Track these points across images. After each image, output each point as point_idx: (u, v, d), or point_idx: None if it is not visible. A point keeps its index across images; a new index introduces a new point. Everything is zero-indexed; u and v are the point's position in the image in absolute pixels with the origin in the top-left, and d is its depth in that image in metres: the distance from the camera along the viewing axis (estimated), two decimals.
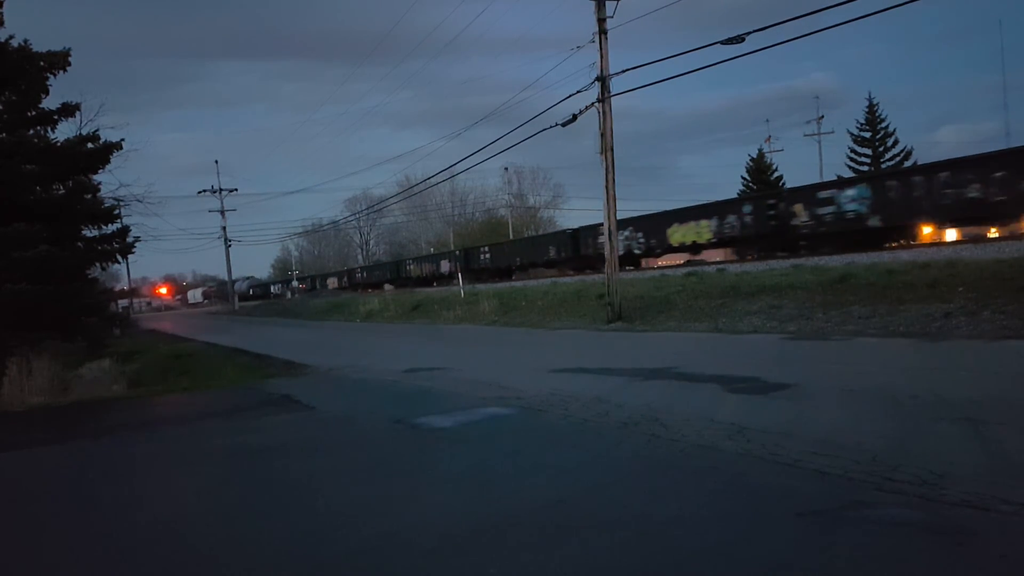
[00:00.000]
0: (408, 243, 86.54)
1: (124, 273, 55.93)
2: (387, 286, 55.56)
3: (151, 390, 13.44)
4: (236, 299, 66.85)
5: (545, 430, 6.74)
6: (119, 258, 18.46)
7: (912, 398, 6.68)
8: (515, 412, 7.61)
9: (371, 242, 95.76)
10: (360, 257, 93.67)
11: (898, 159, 48.06)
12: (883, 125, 49.52)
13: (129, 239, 17.53)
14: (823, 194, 24.52)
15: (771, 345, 11.80)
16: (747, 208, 27.79)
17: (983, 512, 3.78)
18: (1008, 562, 3.27)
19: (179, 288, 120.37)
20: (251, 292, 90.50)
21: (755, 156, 54.85)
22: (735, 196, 32.13)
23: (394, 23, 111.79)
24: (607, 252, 18.29)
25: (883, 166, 47.30)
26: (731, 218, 28.05)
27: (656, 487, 4.74)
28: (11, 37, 14.59)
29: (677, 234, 30.62)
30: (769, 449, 5.28)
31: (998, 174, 18.90)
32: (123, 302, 49.63)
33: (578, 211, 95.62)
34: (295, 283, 78.75)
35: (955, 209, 20.26)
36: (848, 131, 51.32)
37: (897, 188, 22.04)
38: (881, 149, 49.27)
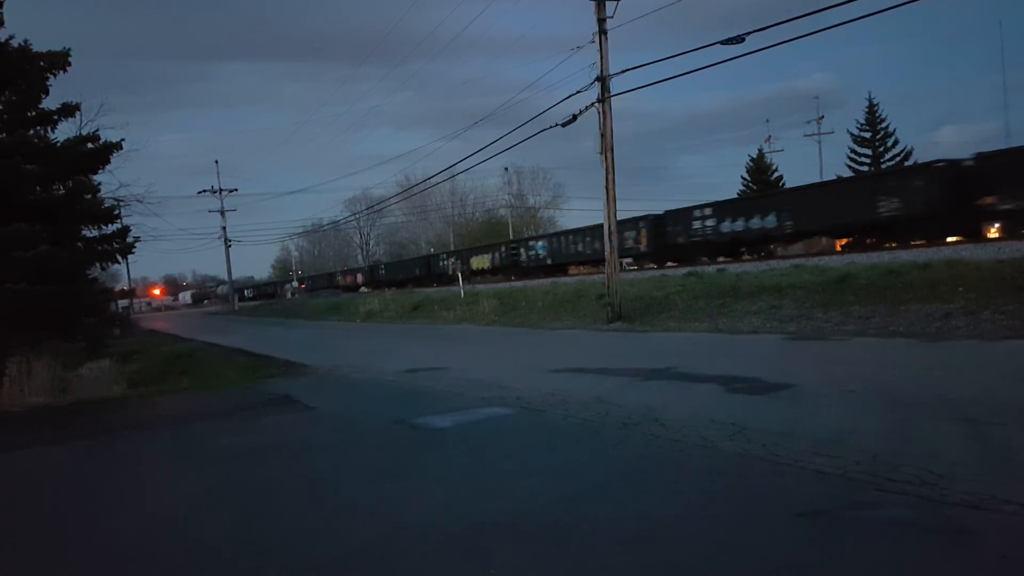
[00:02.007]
0: (408, 243, 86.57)
1: (124, 273, 56.08)
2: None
3: (151, 390, 13.44)
4: (236, 299, 66.85)
5: (545, 430, 6.74)
6: (119, 258, 18.44)
7: (912, 398, 6.68)
8: (515, 412, 7.61)
9: (371, 242, 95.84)
10: (360, 257, 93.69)
11: (898, 159, 48.06)
12: (883, 125, 49.55)
13: (129, 239, 17.52)
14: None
15: (771, 345, 11.80)
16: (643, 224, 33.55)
17: (983, 512, 3.78)
18: (1008, 562, 3.27)
19: (170, 290, 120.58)
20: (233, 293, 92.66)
21: (755, 156, 54.92)
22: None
23: (395, 24, 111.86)
24: (607, 252, 18.29)
25: (883, 166, 47.31)
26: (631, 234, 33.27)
27: (656, 487, 4.74)
28: (11, 37, 14.59)
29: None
30: (769, 449, 5.28)
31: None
32: (123, 302, 49.58)
33: (578, 211, 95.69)
34: (295, 283, 78.85)
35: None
36: (848, 131, 51.36)
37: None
38: (881, 149, 49.29)
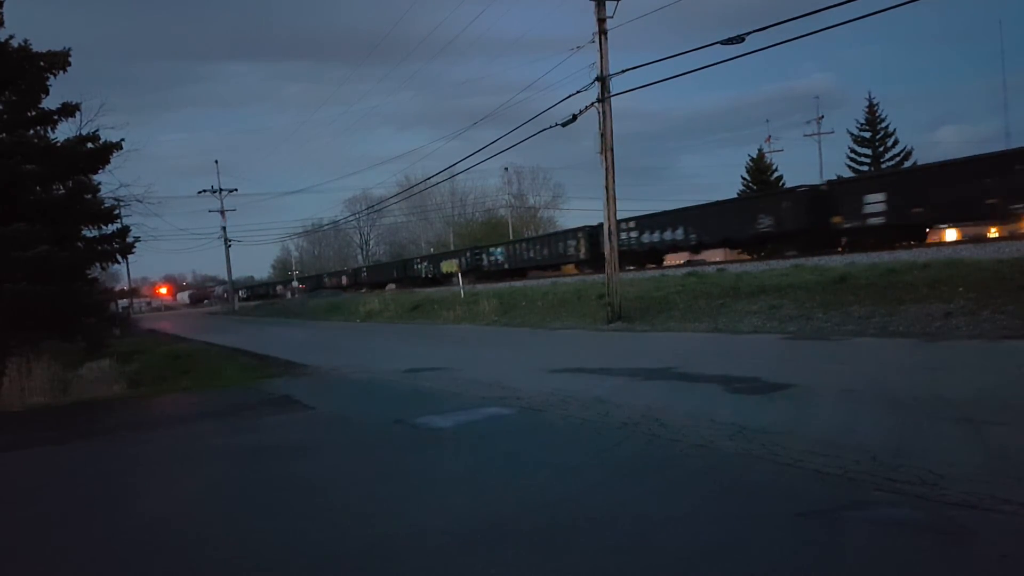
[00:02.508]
0: (408, 243, 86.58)
1: (124, 273, 56.03)
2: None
3: (151, 390, 13.44)
4: (236, 299, 66.87)
5: (545, 430, 6.74)
6: (119, 258, 18.42)
7: (912, 398, 6.68)
8: (515, 412, 7.61)
9: (371, 242, 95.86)
10: (360, 257, 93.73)
11: (898, 159, 48.09)
12: (883, 125, 49.57)
13: (129, 239, 17.51)
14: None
15: (771, 345, 11.80)
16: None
17: (983, 512, 3.78)
18: (1008, 562, 3.27)
19: (170, 290, 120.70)
20: (224, 294, 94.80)
21: (755, 156, 54.94)
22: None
23: (395, 24, 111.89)
24: (607, 252, 18.29)
25: (883, 166, 47.36)
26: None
27: (656, 487, 4.74)
28: (11, 37, 14.58)
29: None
30: (769, 449, 5.28)
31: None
32: (123, 302, 49.62)
33: (578, 211, 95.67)
34: (295, 283, 78.90)
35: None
36: (848, 131, 51.37)
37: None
38: (881, 149, 49.31)
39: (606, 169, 17.62)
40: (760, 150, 55.51)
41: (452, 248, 60.10)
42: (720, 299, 16.84)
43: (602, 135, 17.45)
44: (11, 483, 6.62)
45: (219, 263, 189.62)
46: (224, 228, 59.12)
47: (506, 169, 71.40)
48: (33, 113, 15.63)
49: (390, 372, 12.23)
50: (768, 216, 26.43)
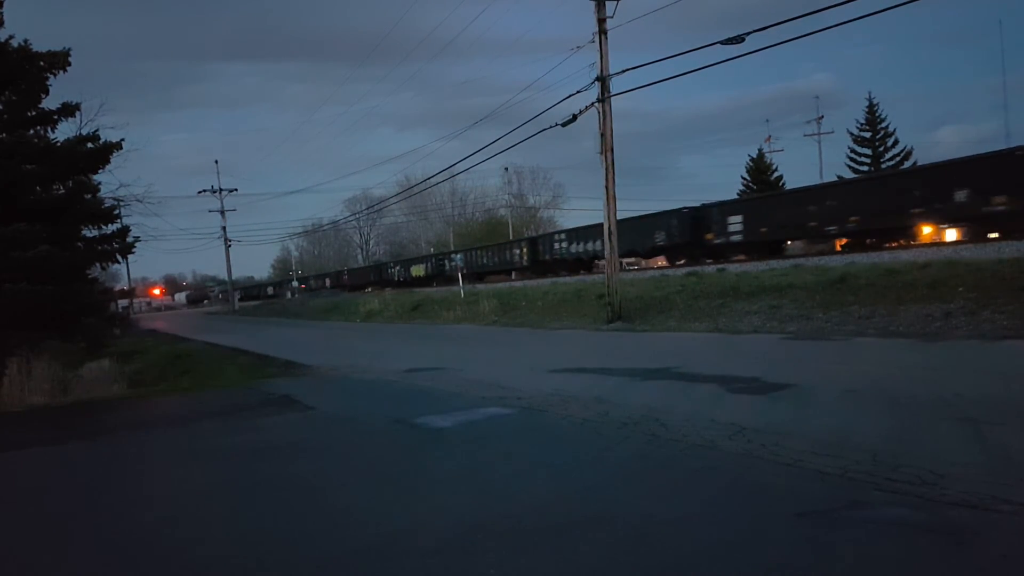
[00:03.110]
0: (408, 243, 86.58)
1: (124, 273, 56.05)
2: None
3: (151, 390, 13.45)
4: (236, 299, 66.88)
5: (545, 430, 6.74)
6: (119, 258, 18.44)
7: (912, 398, 6.68)
8: (515, 412, 7.61)
9: (371, 242, 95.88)
10: (360, 257, 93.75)
11: (898, 159, 48.07)
12: (883, 125, 49.55)
13: (129, 239, 17.52)
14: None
15: (771, 345, 11.80)
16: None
17: (983, 512, 3.78)
18: (1008, 562, 3.27)
19: (169, 290, 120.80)
20: (220, 295, 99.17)
21: (755, 156, 54.92)
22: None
23: (395, 24, 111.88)
24: (607, 252, 18.30)
25: (883, 166, 47.35)
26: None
27: (656, 487, 4.74)
28: (11, 37, 14.59)
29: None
30: (769, 449, 5.28)
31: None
32: (123, 302, 49.55)
33: (578, 211, 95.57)
34: (295, 283, 79.02)
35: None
36: (848, 131, 51.32)
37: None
38: (881, 149, 49.27)
39: (606, 169, 17.62)
40: (760, 150, 55.50)
41: (452, 248, 61.45)
42: (720, 299, 16.84)
43: (602, 135, 17.46)
44: (11, 483, 6.61)
45: (219, 263, 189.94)
46: (224, 228, 59.19)
47: (506, 169, 71.49)
48: (33, 113, 15.64)
49: (390, 372, 12.22)
50: (662, 231, 32.16)
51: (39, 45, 14.71)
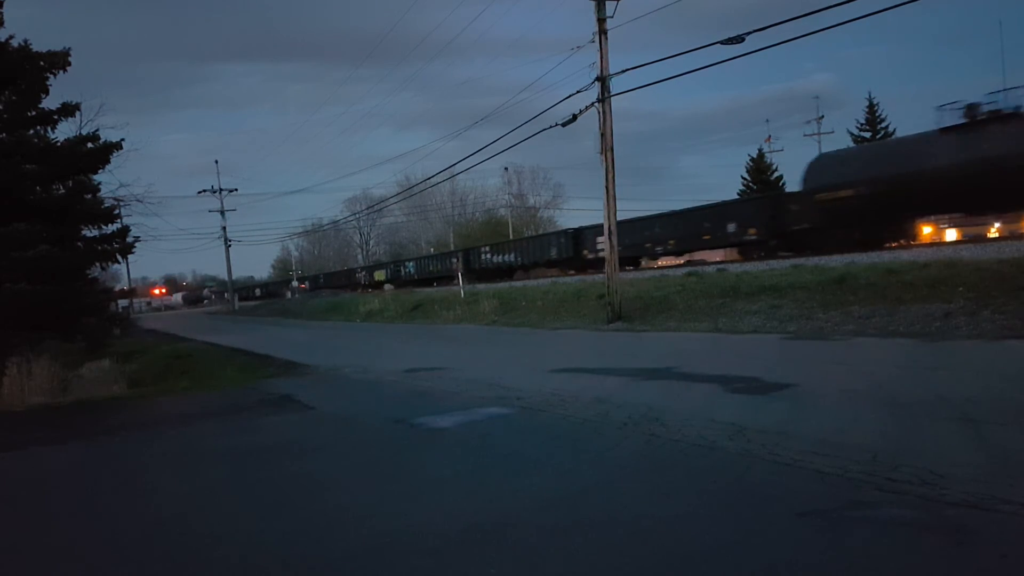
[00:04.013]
0: (408, 243, 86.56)
1: (124, 273, 56.02)
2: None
3: (151, 390, 13.45)
4: (236, 299, 66.87)
5: (545, 430, 6.74)
6: (119, 258, 18.41)
7: (912, 398, 6.68)
8: (515, 412, 7.61)
9: (371, 242, 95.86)
10: (360, 257, 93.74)
11: None
12: (883, 125, 49.56)
13: (129, 239, 17.50)
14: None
15: (771, 345, 11.80)
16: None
17: (983, 512, 3.78)
18: (1008, 562, 3.27)
19: (170, 290, 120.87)
20: (213, 296, 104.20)
21: (755, 156, 54.91)
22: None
23: (395, 24, 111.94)
24: (607, 252, 18.29)
25: None
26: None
27: (656, 487, 4.74)
28: (11, 37, 14.57)
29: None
30: (769, 449, 5.28)
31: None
32: (123, 302, 49.54)
33: (578, 211, 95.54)
34: (295, 283, 79.09)
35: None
36: (848, 131, 51.36)
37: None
38: None
39: (606, 169, 17.61)
40: (760, 150, 55.45)
41: (452, 248, 62.52)
42: (720, 299, 16.84)
43: (602, 135, 17.45)
44: (11, 483, 6.62)
45: (219, 263, 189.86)
46: (224, 228, 59.17)
47: (506, 169, 71.49)
48: (33, 113, 15.62)
49: (390, 372, 12.22)
50: (554, 247, 41.06)
51: (39, 45, 14.70)
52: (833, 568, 3.29)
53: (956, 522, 3.69)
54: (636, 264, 34.02)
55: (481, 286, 34.83)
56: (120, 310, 39.50)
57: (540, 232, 60.94)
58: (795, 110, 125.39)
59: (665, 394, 8.00)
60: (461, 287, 31.57)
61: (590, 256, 36.37)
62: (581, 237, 38.34)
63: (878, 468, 4.61)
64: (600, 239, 30.12)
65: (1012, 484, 4.14)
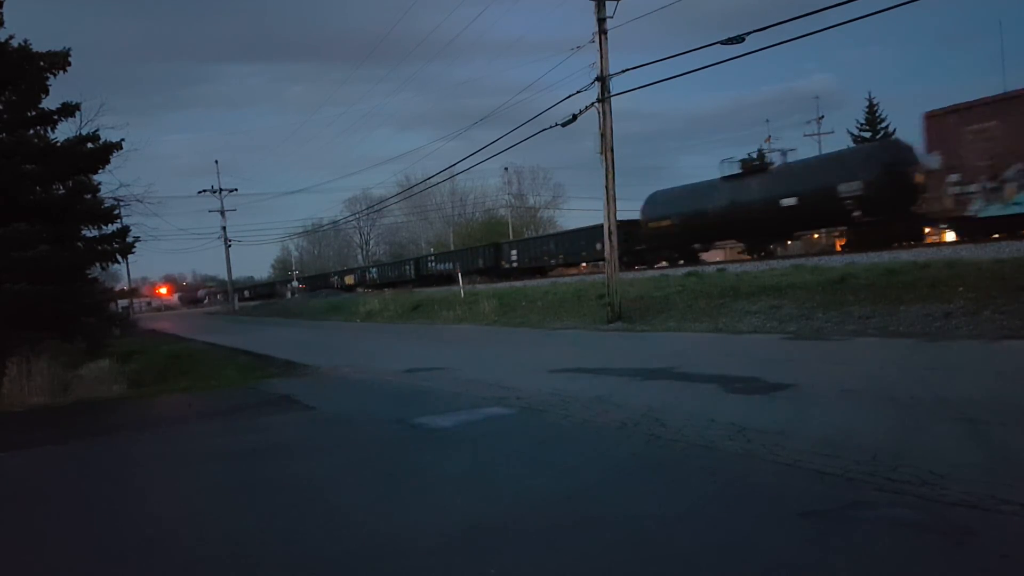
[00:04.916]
0: (408, 243, 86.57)
1: (124, 273, 56.04)
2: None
3: (151, 390, 13.44)
4: (236, 299, 66.87)
5: (545, 430, 6.74)
6: (119, 258, 18.41)
7: (912, 398, 6.68)
8: (515, 412, 7.61)
9: (371, 242, 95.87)
10: (360, 257, 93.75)
11: None
12: (883, 125, 49.58)
13: (129, 239, 17.50)
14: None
15: (771, 345, 11.80)
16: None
17: (983, 512, 3.78)
18: (1008, 562, 3.27)
19: (170, 290, 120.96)
20: (208, 299, 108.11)
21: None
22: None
23: (395, 24, 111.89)
24: (607, 252, 18.29)
25: None
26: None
27: (656, 487, 4.74)
28: (11, 37, 14.57)
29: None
30: (769, 449, 5.28)
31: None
32: (123, 302, 49.52)
33: (578, 211, 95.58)
34: (295, 283, 79.15)
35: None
36: (848, 131, 51.45)
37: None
38: None
39: (606, 169, 17.62)
40: (760, 150, 55.34)
41: (452, 248, 63.37)
42: (720, 299, 16.84)
43: (602, 135, 17.46)
44: (11, 483, 6.62)
45: (219, 263, 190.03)
46: (224, 228, 59.16)
47: (506, 169, 71.55)
48: (33, 113, 15.63)
49: (390, 372, 12.23)
50: (481, 257, 48.01)
51: (39, 45, 14.71)
52: (833, 568, 3.29)
53: (956, 522, 3.69)
54: (543, 273, 41.40)
55: (480, 286, 34.89)
56: (120, 310, 39.51)
57: (540, 233, 62.71)
58: (795, 110, 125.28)
59: (665, 394, 8.00)
60: (461, 287, 31.57)
61: (506, 266, 45.17)
62: (500, 250, 47.57)
63: (878, 468, 4.61)
64: (513, 251, 45.24)
65: (1012, 484, 4.14)
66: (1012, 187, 19.91)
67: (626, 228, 34.22)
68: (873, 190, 24.05)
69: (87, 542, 4.58)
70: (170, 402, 11.34)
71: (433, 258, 56.25)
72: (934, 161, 21.95)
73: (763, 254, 29.99)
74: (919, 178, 22.73)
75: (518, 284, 33.12)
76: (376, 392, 10.52)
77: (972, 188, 20.82)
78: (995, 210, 20.61)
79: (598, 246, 33.69)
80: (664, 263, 33.21)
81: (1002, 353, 9.19)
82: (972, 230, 21.39)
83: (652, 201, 34.77)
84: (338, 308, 39.34)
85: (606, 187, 17.76)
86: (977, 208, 21.06)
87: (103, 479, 6.36)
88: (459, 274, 36.83)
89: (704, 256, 32.65)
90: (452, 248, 63.79)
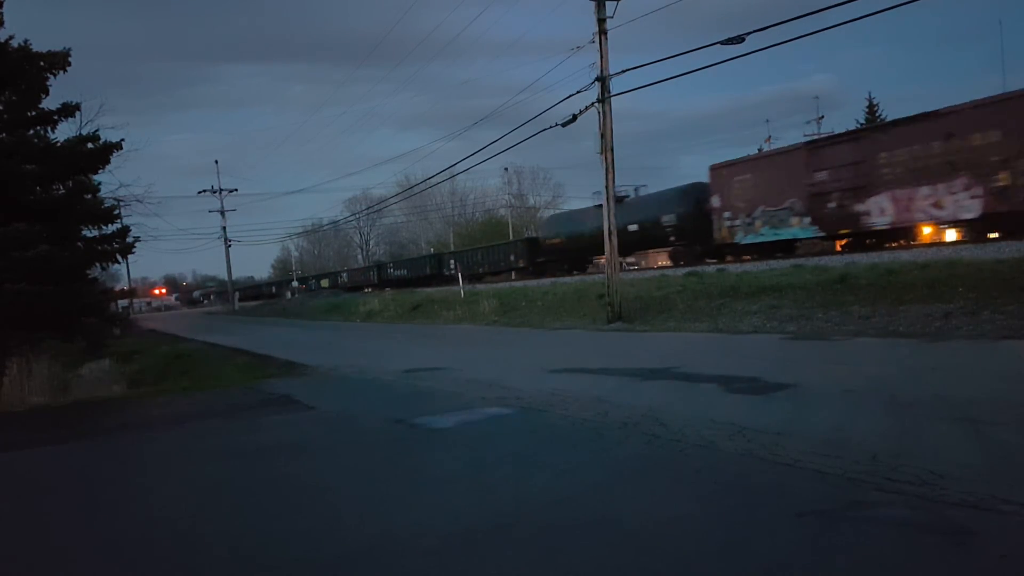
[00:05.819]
0: (408, 243, 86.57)
1: (124, 273, 56.05)
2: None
3: (151, 390, 13.45)
4: (236, 299, 66.88)
5: (545, 430, 6.74)
6: (119, 258, 18.39)
7: (912, 398, 6.68)
8: (515, 412, 7.61)
9: (371, 242, 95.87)
10: (360, 257, 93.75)
11: None
12: None
13: (129, 239, 17.49)
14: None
15: (771, 345, 11.80)
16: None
17: (983, 512, 3.78)
18: (1008, 562, 3.27)
19: (170, 290, 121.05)
20: (204, 300, 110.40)
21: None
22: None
23: (395, 25, 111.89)
24: (607, 252, 18.29)
25: None
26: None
27: (656, 487, 4.74)
28: (11, 37, 14.56)
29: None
30: (769, 449, 5.28)
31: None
32: (123, 302, 49.56)
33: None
34: (295, 283, 79.20)
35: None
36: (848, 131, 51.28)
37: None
38: None
39: (606, 169, 17.62)
40: (760, 150, 55.47)
41: (452, 248, 63.85)
42: (720, 299, 16.84)
43: (602, 135, 17.45)
44: (11, 483, 6.62)
45: (219, 263, 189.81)
46: (224, 228, 59.17)
47: (506, 169, 71.57)
48: (33, 113, 15.61)
49: (390, 372, 12.22)
50: (427, 266, 54.37)
51: (39, 45, 14.69)
52: (833, 568, 3.29)
53: (956, 522, 3.69)
54: (479, 279, 44.92)
55: (481, 286, 34.90)
56: (120, 310, 39.54)
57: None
58: (795, 110, 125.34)
59: (665, 394, 8.00)
60: (461, 288, 31.58)
61: (446, 273, 50.49)
62: (441, 259, 54.11)
63: (878, 468, 4.61)
64: (452, 260, 50.89)
65: (1012, 484, 4.15)
66: (759, 222, 27.32)
67: (529, 243, 46.10)
68: (685, 221, 31.17)
69: (87, 542, 4.58)
70: (170, 402, 11.33)
71: (392, 265, 63.59)
72: (716, 201, 29.03)
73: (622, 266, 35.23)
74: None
75: (518, 284, 33.14)
76: (376, 392, 10.52)
77: (737, 222, 28.16)
78: (750, 239, 27.76)
79: (511, 257, 46.49)
80: (562, 273, 39.27)
81: (1002, 353, 9.19)
82: (737, 253, 28.75)
83: (549, 223, 45.12)
84: (338, 308, 39.34)
85: (606, 187, 17.76)
86: (740, 237, 28.13)
87: (103, 479, 6.36)
88: (459, 274, 36.87)
89: (589, 268, 39.84)
90: (451, 249, 64.42)
